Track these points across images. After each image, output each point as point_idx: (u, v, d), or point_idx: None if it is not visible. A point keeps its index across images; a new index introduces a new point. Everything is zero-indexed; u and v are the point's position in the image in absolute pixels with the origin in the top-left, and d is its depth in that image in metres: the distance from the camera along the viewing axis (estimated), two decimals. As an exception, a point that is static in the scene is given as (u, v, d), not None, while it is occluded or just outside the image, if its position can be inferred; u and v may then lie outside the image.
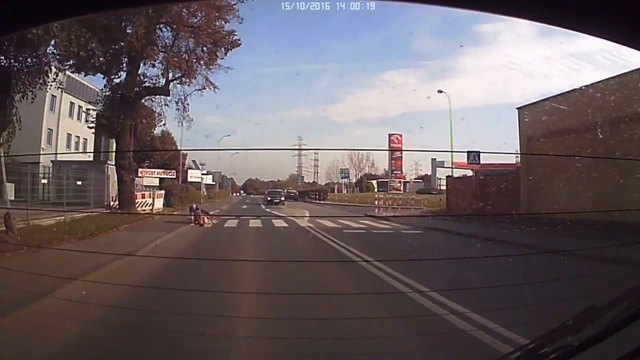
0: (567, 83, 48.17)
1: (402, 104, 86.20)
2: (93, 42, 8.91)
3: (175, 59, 17.21)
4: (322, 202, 43.02)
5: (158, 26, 15.16)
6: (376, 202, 25.67)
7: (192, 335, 4.01)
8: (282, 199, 35.94)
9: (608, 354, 1.47)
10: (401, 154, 53.27)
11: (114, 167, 19.23)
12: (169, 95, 18.65)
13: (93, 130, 19.50)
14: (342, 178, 62.73)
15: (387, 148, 51.49)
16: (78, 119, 39.47)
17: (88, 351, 3.85)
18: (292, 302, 5.30)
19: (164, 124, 20.52)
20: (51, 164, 20.65)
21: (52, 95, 28.67)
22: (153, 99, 18.94)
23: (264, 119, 76.11)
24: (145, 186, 24.85)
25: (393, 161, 54.87)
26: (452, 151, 29.31)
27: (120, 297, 5.64)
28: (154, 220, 16.99)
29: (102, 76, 17.34)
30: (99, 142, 39.44)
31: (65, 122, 36.87)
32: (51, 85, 11.60)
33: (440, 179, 38.99)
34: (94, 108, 19.14)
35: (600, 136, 13.54)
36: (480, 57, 56.25)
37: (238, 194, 67.93)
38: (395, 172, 54.82)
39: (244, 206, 35.25)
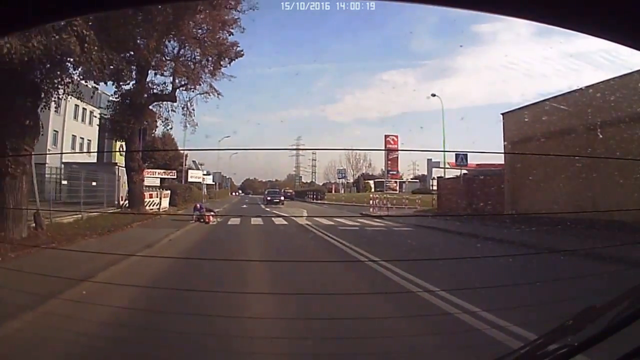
0: (566, 83, 48.89)
1: (401, 104, 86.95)
2: (118, 60, 9.90)
3: (183, 68, 18.49)
4: (319, 201, 43.91)
5: (167, 38, 16.25)
6: (371, 202, 26.74)
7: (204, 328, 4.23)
8: (282, 198, 36.40)
9: (608, 354, 1.51)
10: (397, 154, 54.46)
11: (123, 168, 20.48)
12: (175, 102, 19.90)
13: (107, 134, 20.47)
14: (339, 178, 63.73)
15: (384, 148, 52.69)
16: (82, 120, 40.55)
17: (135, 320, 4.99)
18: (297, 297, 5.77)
19: (171, 128, 21.64)
20: (62, 165, 21.75)
21: (58, 97, 29.62)
22: (161, 105, 20.12)
23: (263, 119, 76.77)
24: (147, 186, 25.90)
25: (389, 162, 56.11)
26: (444, 151, 30.44)
27: (149, 281, 6.84)
28: (161, 218, 18.17)
29: (112, 83, 18.52)
30: (103, 143, 40.58)
31: (70, 124, 37.85)
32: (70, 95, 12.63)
33: (433, 179, 39.96)
34: (105, 113, 20.25)
35: (601, 137, 14.55)
36: (479, 57, 56.87)
37: (237, 194, 68.86)
38: (391, 172, 56.04)
39: (244, 206, 36.15)
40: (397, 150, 48.42)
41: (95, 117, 33.91)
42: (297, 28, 64.25)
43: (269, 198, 35.60)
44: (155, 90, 19.47)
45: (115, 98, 19.41)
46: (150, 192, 21.58)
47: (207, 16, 13.78)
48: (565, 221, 12.26)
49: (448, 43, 63.40)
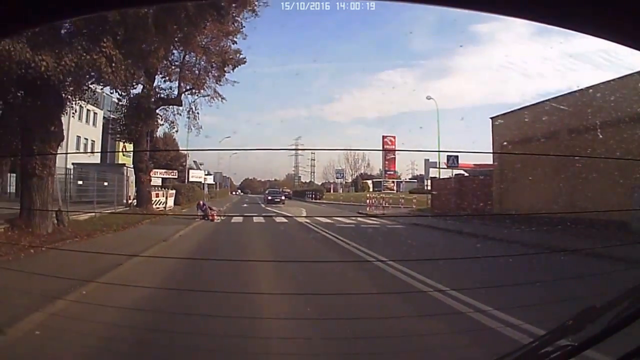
0: (565, 83, 49.41)
1: (400, 103, 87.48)
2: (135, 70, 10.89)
3: (189, 74, 19.60)
4: (318, 201, 44.64)
5: (175, 47, 17.25)
6: (367, 201, 27.73)
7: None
8: (283, 198, 36.67)
9: (608, 354, 1.51)
10: (394, 155, 55.39)
11: (130, 168, 21.54)
12: (181, 105, 20.96)
13: (117, 137, 21.48)
14: (337, 178, 64.50)
15: (382, 149, 53.54)
16: (87, 121, 41.48)
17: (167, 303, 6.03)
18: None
19: (177, 131, 22.66)
20: (73, 166, 22.73)
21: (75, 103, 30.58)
22: (167, 109, 21.15)
23: (263, 119, 77.25)
24: (152, 186, 26.87)
25: (387, 162, 57.06)
26: (438, 151, 31.43)
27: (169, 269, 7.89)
28: (168, 217, 19.21)
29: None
30: (106, 144, 41.53)
31: (74, 125, 38.80)
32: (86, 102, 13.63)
33: (428, 179, 40.88)
34: (108, 114, 21.26)
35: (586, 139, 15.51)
36: (478, 57, 57.10)
37: (236, 193, 69.66)
38: (388, 172, 57.01)
39: (245, 205, 36.97)
40: (394, 150, 49.30)
41: (104, 117, 34.81)
42: (297, 28, 64.68)
43: (270, 198, 35.83)
44: (162, 95, 20.49)
45: (124, 102, 20.43)
46: (157, 192, 22.61)
47: (214, 27, 14.70)
48: (550, 219, 13.34)
49: (447, 43, 63.78)
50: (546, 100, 17.73)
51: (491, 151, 19.80)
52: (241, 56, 19.29)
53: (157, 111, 21.15)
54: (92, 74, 9.69)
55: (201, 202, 19.60)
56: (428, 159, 53.94)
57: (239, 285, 6.40)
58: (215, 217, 18.24)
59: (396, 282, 7.14)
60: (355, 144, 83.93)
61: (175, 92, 20.66)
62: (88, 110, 41.48)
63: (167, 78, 19.92)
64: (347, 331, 4.34)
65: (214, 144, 39.70)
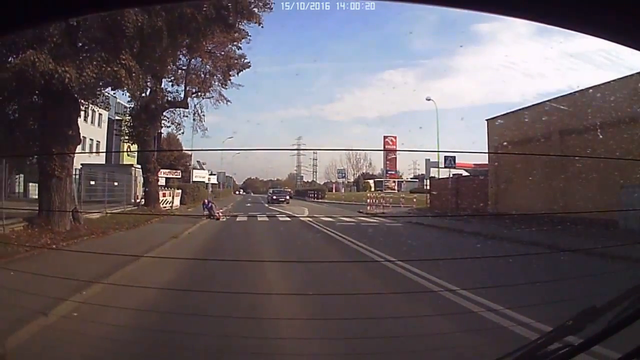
0: (566, 83, 49.56)
1: (400, 103, 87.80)
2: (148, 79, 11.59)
3: (195, 78, 20.38)
4: (320, 200, 45.15)
5: (182, 52, 17.96)
6: (368, 201, 28.35)
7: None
8: (287, 197, 37.07)
9: (608, 354, 1.55)
10: (395, 155, 55.97)
11: (137, 169, 22.33)
12: (187, 108, 21.72)
13: (125, 138, 22.23)
14: (339, 178, 65.09)
15: (383, 149, 54.10)
16: (92, 122, 42.25)
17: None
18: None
19: (183, 133, 23.41)
20: (81, 166, 23.47)
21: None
22: (174, 111, 21.92)
23: (263, 119, 77.76)
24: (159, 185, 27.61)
25: (388, 162, 57.66)
26: (438, 151, 32.02)
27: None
28: (175, 215, 19.97)
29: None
30: (111, 144, 42.26)
31: (80, 126, 39.49)
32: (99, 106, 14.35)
33: (428, 179, 41.35)
34: (112, 115, 22.01)
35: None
36: (479, 56, 56.88)
37: (239, 193, 70.32)
38: (390, 172, 57.62)
39: (248, 204, 37.66)
40: (394, 150, 49.88)
41: (109, 118, 35.52)
42: (298, 28, 64.98)
43: (274, 197, 36.07)
44: (168, 98, 21.22)
45: (133, 104, 21.16)
46: (164, 191, 23.36)
47: (221, 35, 15.33)
48: (544, 219, 14.00)
49: (447, 43, 63.93)
50: (540, 103, 18.45)
51: (486, 151, 20.41)
52: (245, 61, 20.05)
53: (164, 113, 21.93)
54: (110, 82, 10.39)
55: (206, 201, 20.31)
56: (429, 159, 54.56)
57: (248, 280, 6.95)
58: (220, 216, 18.95)
59: (396, 277, 7.59)
60: (357, 144, 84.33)
61: (182, 95, 21.45)
62: (93, 111, 42.23)
63: (174, 82, 20.69)
64: (352, 330, 4.42)
65: (215, 143, 40.24)
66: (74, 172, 19.67)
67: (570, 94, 16.77)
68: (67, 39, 9.46)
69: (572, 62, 36.90)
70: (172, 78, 20.09)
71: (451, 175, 24.63)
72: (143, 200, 21.64)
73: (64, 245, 10.00)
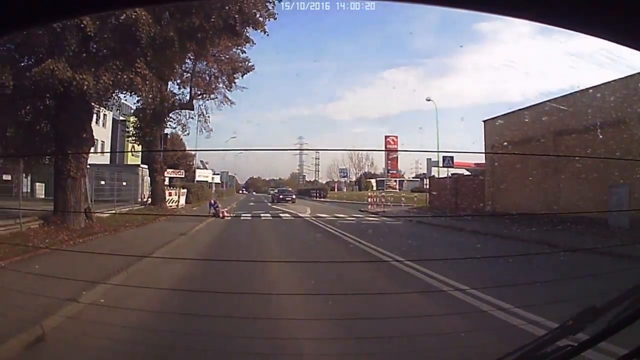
0: (567, 82, 49.60)
1: (402, 102, 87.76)
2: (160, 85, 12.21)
3: (201, 81, 21.06)
4: (322, 199, 45.66)
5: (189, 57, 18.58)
6: (369, 200, 28.92)
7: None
8: (294, 197, 37.09)
9: (608, 354, 1.60)
10: (397, 154, 56.47)
11: (143, 168, 23.02)
12: (193, 110, 22.39)
13: (133, 139, 22.88)
14: (341, 177, 65.58)
15: (384, 148, 54.61)
16: (96, 123, 42.91)
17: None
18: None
19: (188, 134, 24.07)
20: (88, 166, 24.14)
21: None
22: (179, 112, 22.57)
23: (264, 118, 78.08)
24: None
25: (389, 161, 58.22)
26: (438, 151, 32.50)
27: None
28: (180, 214, 20.63)
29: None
30: (115, 145, 42.96)
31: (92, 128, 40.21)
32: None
33: (427, 179, 41.76)
34: (131, 120, 22.70)
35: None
36: (480, 55, 56.78)
37: (242, 192, 70.85)
38: (391, 171, 58.17)
39: (251, 203, 38.21)
40: (395, 151, 50.42)
41: (113, 119, 36.16)
42: (297, 28, 65.29)
43: (281, 196, 36.13)
44: (175, 101, 21.85)
45: (136, 105, 21.80)
46: (170, 191, 24.02)
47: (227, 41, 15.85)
48: (542, 218, 14.59)
49: (449, 42, 64.03)
50: (536, 104, 18.91)
51: (482, 152, 20.97)
52: (250, 64, 20.68)
53: (170, 114, 22.56)
54: (126, 88, 11.07)
55: (212, 201, 20.94)
56: (430, 159, 55.14)
57: (255, 272, 7.42)
58: (225, 214, 19.58)
59: (397, 274, 7.87)
60: (359, 143, 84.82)
61: (187, 97, 22.13)
62: (98, 111, 43.05)
63: (181, 85, 21.38)
64: (357, 329, 4.48)
65: (217, 143, 40.75)
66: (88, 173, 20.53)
67: (565, 95, 17.32)
68: (84, 47, 10.08)
69: (574, 61, 36.78)
70: (179, 81, 20.80)
71: (449, 175, 25.18)
72: (150, 199, 22.31)
73: (81, 241, 10.64)
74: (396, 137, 54.51)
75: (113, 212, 17.23)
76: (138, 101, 21.58)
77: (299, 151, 68.37)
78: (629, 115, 14.20)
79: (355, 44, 73.67)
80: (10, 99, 10.93)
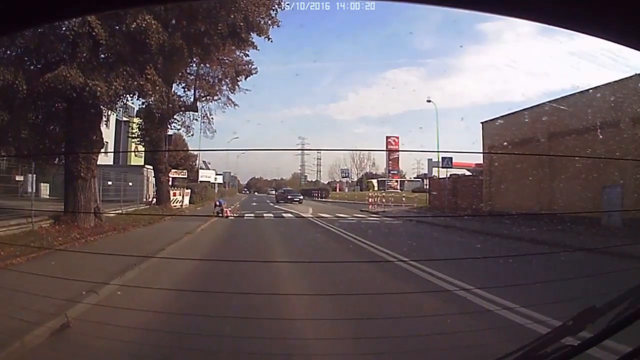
0: (569, 82, 49.76)
1: (404, 102, 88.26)
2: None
3: (205, 83, 21.54)
4: (324, 199, 46.04)
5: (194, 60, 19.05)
6: (370, 200, 29.33)
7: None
8: (301, 197, 36.87)
9: (608, 354, 1.63)
10: (398, 154, 56.85)
11: (148, 169, 23.52)
12: (197, 111, 22.88)
13: (138, 140, 23.33)
14: (343, 177, 65.96)
15: (385, 149, 55.02)
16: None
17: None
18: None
19: (192, 135, 24.54)
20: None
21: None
22: (184, 114, 23.03)
23: (266, 118, 78.46)
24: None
25: (390, 161, 58.67)
26: (438, 151, 32.92)
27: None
28: (185, 214, 21.11)
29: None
30: (119, 145, 43.41)
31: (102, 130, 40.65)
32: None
33: (427, 179, 42.07)
34: (135, 121, 23.17)
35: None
36: (482, 56, 57.20)
37: (244, 192, 71.28)
38: (392, 172, 58.60)
39: (254, 203, 38.64)
40: (395, 151, 50.85)
41: (117, 119, 36.59)
42: (297, 28, 65.66)
43: (289, 197, 35.98)
44: (179, 103, 22.30)
45: (139, 107, 22.26)
46: (174, 191, 24.50)
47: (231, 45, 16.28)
48: (542, 218, 15.00)
49: (451, 41, 64.22)
50: (533, 107, 19.32)
51: (481, 151, 21.38)
52: (253, 67, 21.16)
53: (175, 116, 23.02)
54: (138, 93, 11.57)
55: (218, 201, 21.38)
56: (431, 159, 55.47)
57: (260, 272, 7.67)
58: (229, 214, 20.02)
59: (397, 271, 8.18)
60: (361, 143, 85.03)
61: (192, 99, 22.60)
62: (106, 114, 43.59)
63: (185, 87, 21.87)
64: (357, 328, 4.54)
65: (219, 143, 41.17)
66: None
67: (560, 98, 17.70)
68: (95, 54, 10.55)
69: (576, 61, 37.86)
70: (184, 84, 21.30)
71: (448, 176, 25.58)
72: (155, 199, 22.79)
73: (92, 239, 11.10)
74: (397, 137, 55.09)
75: (119, 212, 17.74)
76: (142, 103, 22.30)
77: (300, 151, 68.73)
78: (623, 116, 14.60)
79: (357, 44, 73.99)
80: (23, 102, 11.40)
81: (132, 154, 35.55)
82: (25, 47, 10.86)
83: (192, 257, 8.98)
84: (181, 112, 22.99)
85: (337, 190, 60.64)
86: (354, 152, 63.55)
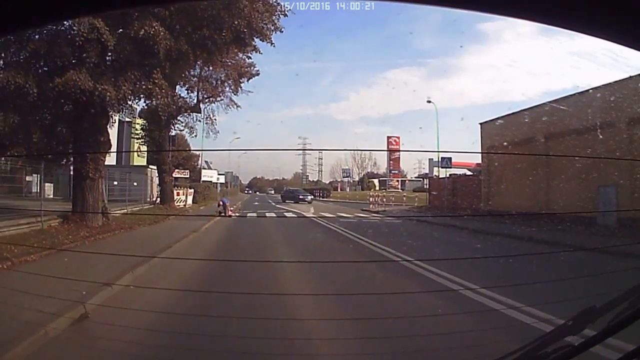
0: (569, 81, 49.85)
1: (405, 102, 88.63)
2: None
3: (208, 85, 21.95)
4: (325, 199, 46.35)
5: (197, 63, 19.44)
6: (370, 199, 29.68)
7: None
8: (311, 197, 36.12)
9: (608, 354, 1.62)
10: (399, 154, 57.13)
11: (153, 169, 23.94)
12: (200, 113, 23.28)
13: (142, 141, 23.74)
14: (344, 177, 66.22)
15: (386, 149, 55.31)
16: (105, 124, 43.81)
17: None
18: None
19: (195, 136, 24.92)
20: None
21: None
22: (187, 115, 23.43)
23: (266, 118, 78.93)
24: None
25: (391, 161, 58.97)
26: (438, 151, 33.24)
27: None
28: (189, 213, 21.50)
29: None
30: (121, 145, 43.83)
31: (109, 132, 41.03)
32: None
33: (428, 178, 42.33)
34: (138, 122, 23.58)
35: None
36: (483, 55, 57.34)
37: (247, 192, 71.61)
38: (393, 171, 58.92)
39: (256, 202, 38.99)
40: (396, 151, 51.15)
41: (119, 120, 37.03)
42: (297, 28, 66.00)
43: (300, 197, 35.31)
44: (181, 103, 22.69)
45: (147, 108, 22.63)
46: (178, 191, 24.91)
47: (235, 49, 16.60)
48: (542, 218, 15.34)
49: (452, 42, 64.50)
50: (531, 107, 19.66)
51: (480, 152, 21.73)
52: (255, 69, 21.56)
53: (178, 117, 23.41)
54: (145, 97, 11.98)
55: (221, 201, 21.74)
56: (432, 159, 55.82)
57: (266, 266, 8.01)
58: (231, 213, 20.39)
59: (398, 269, 8.49)
60: (361, 143, 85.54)
61: (195, 100, 23.01)
62: (112, 115, 43.95)
63: (189, 89, 22.28)
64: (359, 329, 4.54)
65: (220, 143, 41.55)
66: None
67: (557, 99, 18.03)
68: (103, 59, 10.94)
69: (576, 60, 37.56)
70: (187, 86, 21.72)
71: (448, 175, 25.92)
72: (159, 199, 23.20)
73: (100, 238, 11.48)
74: (398, 137, 55.42)
75: (124, 211, 18.14)
76: (145, 103, 22.70)
77: (302, 151, 68.99)
78: (622, 117, 14.88)
79: (357, 44, 74.27)
80: (33, 105, 11.78)
81: (135, 154, 35.98)
82: (34, 51, 11.21)
83: (199, 252, 9.39)
84: (185, 114, 23.37)
85: (339, 189, 60.95)
86: (356, 152, 63.79)
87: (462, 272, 7.34)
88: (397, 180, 57.73)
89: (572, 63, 41.42)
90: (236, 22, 10.50)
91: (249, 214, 22.48)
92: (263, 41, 11.56)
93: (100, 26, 9.96)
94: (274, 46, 11.70)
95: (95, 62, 10.83)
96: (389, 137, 55.50)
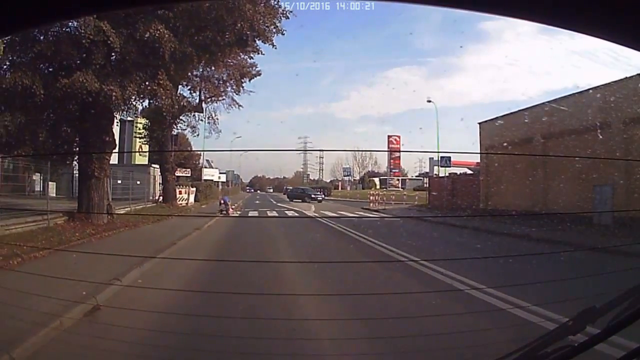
0: (570, 81, 49.95)
1: (406, 101, 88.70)
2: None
3: (210, 85, 22.22)
4: (326, 198, 46.52)
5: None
6: (370, 198, 29.94)
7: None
8: (322, 196, 35.23)
9: (608, 354, 1.60)
10: (400, 153, 57.30)
11: (156, 168, 24.20)
12: (202, 112, 23.55)
13: (144, 140, 23.99)
14: (345, 176, 66.43)
15: (387, 148, 55.49)
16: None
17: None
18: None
19: (197, 135, 25.23)
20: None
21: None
22: (189, 115, 23.71)
23: (267, 117, 79.12)
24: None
25: (392, 160, 59.17)
26: (438, 152, 33.42)
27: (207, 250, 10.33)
28: (191, 211, 21.77)
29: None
30: (123, 145, 44.12)
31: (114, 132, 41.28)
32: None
33: (428, 178, 42.48)
34: (140, 121, 23.84)
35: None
36: (483, 55, 57.53)
37: (247, 190, 71.83)
38: (394, 170, 59.13)
39: (257, 201, 39.19)
40: (396, 151, 51.34)
41: (121, 119, 37.29)
42: (297, 28, 66.09)
43: (312, 195, 34.33)
44: (184, 103, 22.95)
45: (149, 108, 22.87)
46: (180, 189, 25.19)
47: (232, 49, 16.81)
48: (529, 216, 15.58)
49: (453, 41, 64.66)
50: (530, 107, 19.87)
51: (479, 152, 21.95)
52: (257, 69, 21.82)
53: (180, 117, 23.67)
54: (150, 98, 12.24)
55: (222, 199, 21.99)
56: (432, 158, 56.00)
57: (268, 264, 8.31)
58: (231, 212, 20.63)
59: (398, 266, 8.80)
60: (362, 142, 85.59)
61: (197, 100, 23.30)
62: (116, 115, 44.23)
63: (191, 90, 22.55)
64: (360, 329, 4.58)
65: (222, 142, 41.82)
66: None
67: (554, 100, 18.25)
68: (109, 61, 11.19)
69: (577, 60, 37.74)
70: (190, 86, 21.98)
71: (447, 175, 26.16)
72: (161, 197, 23.47)
73: (106, 235, 11.74)
74: (399, 136, 55.66)
75: (128, 209, 18.42)
76: (149, 103, 22.96)
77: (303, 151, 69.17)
78: (622, 117, 15.07)
79: (357, 44, 74.45)
80: (39, 105, 12.02)
81: (138, 153, 36.25)
82: (40, 52, 11.43)
83: (203, 249, 9.67)
84: (187, 113, 23.64)
85: (340, 188, 61.17)
86: (356, 151, 63.95)
87: (463, 271, 7.42)
88: (398, 179, 57.94)
89: (572, 62, 41.61)
90: (239, 25, 10.74)
91: (250, 213, 22.72)
92: (265, 43, 11.82)
93: (107, 28, 10.19)
94: (275, 48, 11.97)
95: (102, 63, 11.07)
96: (389, 136, 55.83)
